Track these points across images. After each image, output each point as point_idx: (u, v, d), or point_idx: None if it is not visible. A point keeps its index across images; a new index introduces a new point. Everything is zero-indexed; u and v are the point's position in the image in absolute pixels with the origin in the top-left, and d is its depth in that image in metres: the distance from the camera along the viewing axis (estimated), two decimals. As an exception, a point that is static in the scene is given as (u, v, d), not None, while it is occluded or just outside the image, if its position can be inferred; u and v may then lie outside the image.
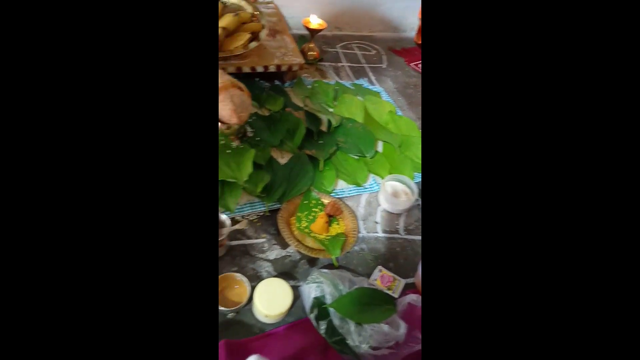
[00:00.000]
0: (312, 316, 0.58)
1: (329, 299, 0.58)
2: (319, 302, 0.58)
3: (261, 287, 0.59)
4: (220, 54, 0.84)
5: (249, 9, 0.95)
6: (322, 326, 0.56)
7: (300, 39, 1.13)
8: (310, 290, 0.59)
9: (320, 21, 1.07)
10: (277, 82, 1.00)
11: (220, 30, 0.81)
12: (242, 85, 0.77)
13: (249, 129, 0.86)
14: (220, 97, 0.75)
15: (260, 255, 0.68)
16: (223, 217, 0.65)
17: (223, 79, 0.78)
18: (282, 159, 0.83)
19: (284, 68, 0.94)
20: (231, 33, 0.85)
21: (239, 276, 0.60)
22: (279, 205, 0.75)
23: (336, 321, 0.56)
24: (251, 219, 0.73)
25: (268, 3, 1.09)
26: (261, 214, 0.74)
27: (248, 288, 0.59)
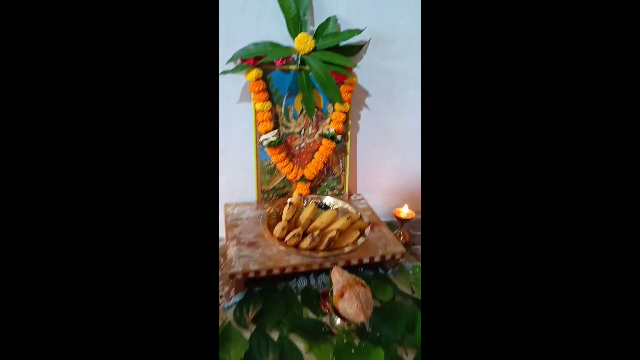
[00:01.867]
0: None
1: None
2: None
3: None
4: (335, 252, 0.93)
5: (351, 208, 1.09)
6: None
7: (388, 226, 1.24)
8: None
9: (409, 210, 1.19)
10: (380, 270, 1.05)
11: (334, 232, 0.92)
12: (363, 282, 0.82)
13: (367, 324, 0.86)
14: (346, 296, 0.79)
15: None
16: None
17: (345, 276, 0.84)
18: (407, 356, 0.79)
19: (387, 257, 1.00)
20: (343, 232, 0.96)
21: None
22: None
23: None
24: None
25: (360, 199, 1.26)
26: None
27: None
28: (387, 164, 1.32)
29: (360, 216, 1.02)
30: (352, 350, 0.77)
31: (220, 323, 0.81)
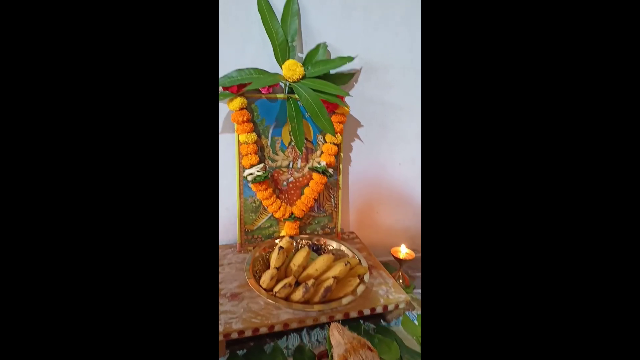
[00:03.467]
0: None
1: None
2: None
3: None
4: (332, 305, 0.80)
5: (346, 249, 0.98)
6: None
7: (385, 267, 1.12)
8: None
9: (408, 250, 1.09)
10: (382, 323, 0.92)
11: (331, 281, 0.80)
12: (369, 343, 0.69)
13: (373, 393, 0.72)
14: (350, 363, 0.66)
15: None
16: None
17: (346, 336, 0.71)
18: None
19: (390, 307, 0.88)
20: (340, 280, 0.84)
21: None
22: None
23: None
24: None
25: (354, 238, 1.15)
26: None
27: None
28: (382, 198, 1.23)
29: (360, 260, 0.90)
30: None
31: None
